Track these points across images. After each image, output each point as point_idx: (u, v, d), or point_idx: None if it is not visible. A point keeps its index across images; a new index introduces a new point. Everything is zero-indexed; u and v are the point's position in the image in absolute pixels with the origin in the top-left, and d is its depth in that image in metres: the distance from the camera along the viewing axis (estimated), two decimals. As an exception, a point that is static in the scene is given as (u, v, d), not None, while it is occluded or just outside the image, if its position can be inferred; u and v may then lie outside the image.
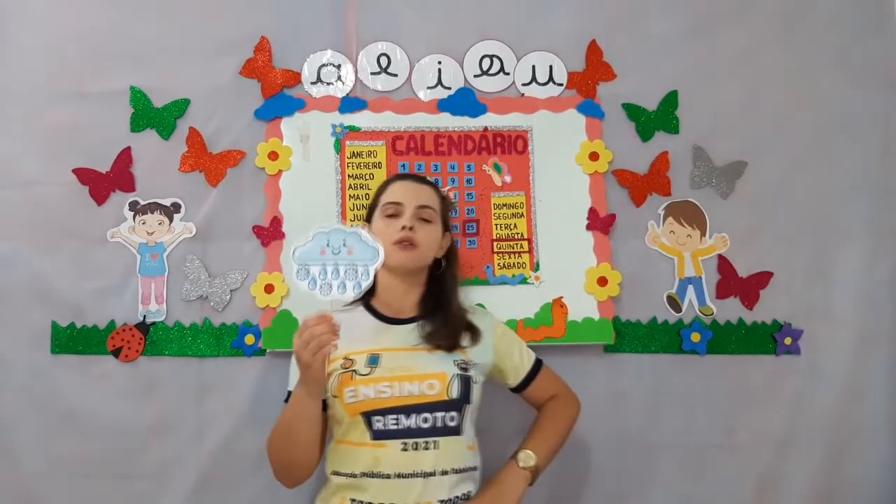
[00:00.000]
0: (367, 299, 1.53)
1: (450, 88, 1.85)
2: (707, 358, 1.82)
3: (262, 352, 1.74)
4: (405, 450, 1.34)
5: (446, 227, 1.59)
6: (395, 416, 1.35)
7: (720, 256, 1.85)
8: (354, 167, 1.81)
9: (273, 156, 1.79)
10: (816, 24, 1.94)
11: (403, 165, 1.81)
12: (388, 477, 1.33)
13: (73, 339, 1.73)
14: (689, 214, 1.86)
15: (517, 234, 1.81)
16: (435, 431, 1.36)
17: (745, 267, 1.85)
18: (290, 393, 1.43)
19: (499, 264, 1.80)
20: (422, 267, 1.52)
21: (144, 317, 1.74)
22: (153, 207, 1.77)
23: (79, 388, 1.72)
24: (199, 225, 1.77)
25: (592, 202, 1.83)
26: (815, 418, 1.82)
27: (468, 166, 1.83)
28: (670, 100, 1.88)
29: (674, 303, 1.83)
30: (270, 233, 1.77)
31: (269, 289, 1.74)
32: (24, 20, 1.81)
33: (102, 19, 1.82)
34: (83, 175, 1.77)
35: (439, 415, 1.37)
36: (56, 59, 1.80)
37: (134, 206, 1.77)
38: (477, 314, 1.57)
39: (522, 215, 1.82)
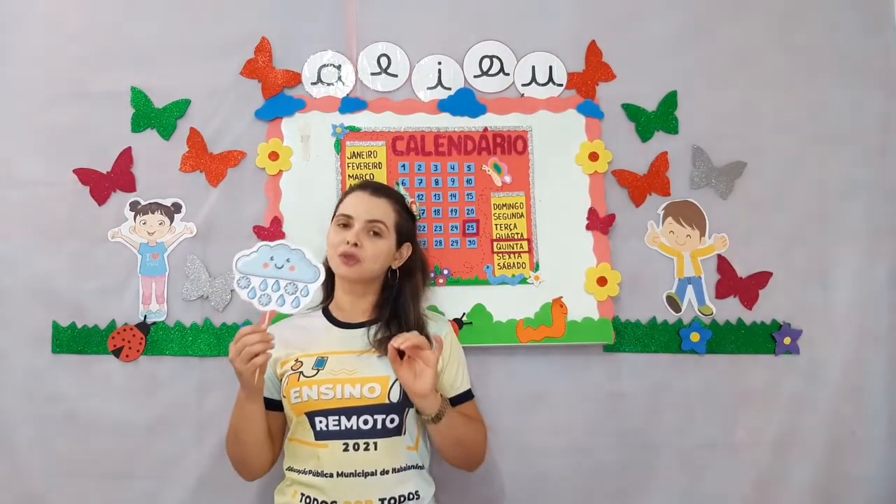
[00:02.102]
0: (325, 304, 1.59)
1: (450, 89, 1.85)
2: (706, 358, 1.82)
3: (262, 352, 1.74)
4: (346, 450, 1.38)
5: (407, 239, 1.60)
6: (336, 417, 1.39)
7: (719, 256, 1.86)
8: (355, 167, 1.81)
9: (273, 156, 1.79)
10: (816, 24, 1.94)
11: (403, 165, 1.82)
12: (331, 476, 1.38)
13: (73, 339, 1.73)
14: (688, 214, 1.86)
15: (517, 234, 1.82)
16: (375, 433, 1.39)
17: (745, 267, 1.86)
18: None
19: (499, 264, 1.80)
20: (367, 279, 1.55)
21: (145, 317, 1.74)
22: (154, 207, 1.78)
23: (79, 388, 1.72)
24: (200, 225, 1.78)
25: (592, 202, 1.83)
26: (815, 418, 1.82)
27: (468, 166, 1.83)
28: (670, 100, 1.88)
29: (673, 303, 1.83)
30: (271, 233, 1.77)
31: (269, 289, 1.74)
32: (25, 20, 1.81)
33: (103, 19, 1.82)
34: (84, 175, 1.77)
35: (379, 417, 1.40)
36: (57, 59, 1.80)
37: (135, 206, 1.77)
38: (438, 322, 1.60)
39: (522, 215, 1.83)
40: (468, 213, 1.82)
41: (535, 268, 1.80)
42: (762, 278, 1.85)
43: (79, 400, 1.72)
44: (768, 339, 1.84)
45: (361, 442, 1.38)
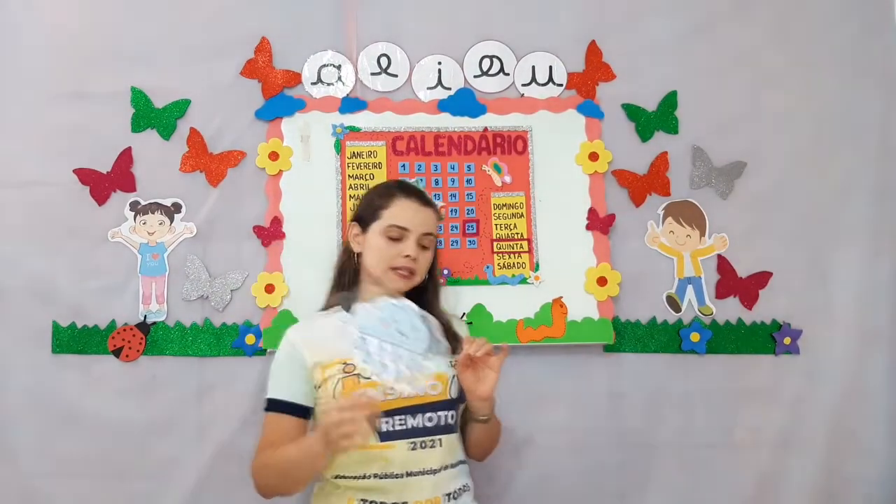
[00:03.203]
0: (350, 305, 1.51)
1: (450, 89, 1.85)
2: (706, 358, 1.82)
3: (262, 352, 1.74)
4: (413, 449, 1.35)
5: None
6: (401, 417, 1.36)
7: (719, 256, 1.86)
8: (355, 167, 1.81)
9: (273, 156, 1.79)
10: (816, 24, 1.94)
11: (403, 165, 1.82)
12: (400, 476, 1.34)
13: (73, 339, 1.73)
14: (688, 214, 1.86)
15: (517, 234, 1.82)
16: (438, 430, 1.38)
17: (745, 267, 1.86)
18: (271, 402, 1.40)
19: (499, 264, 1.80)
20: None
21: (145, 317, 1.74)
22: (154, 207, 1.78)
23: (79, 388, 1.72)
24: (200, 225, 1.78)
25: (592, 202, 1.83)
26: (815, 418, 1.82)
27: (468, 166, 1.83)
28: (670, 100, 1.88)
29: (673, 303, 1.83)
30: (271, 233, 1.77)
31: (269, 289, 1.75)
32: (25, 20, 1.81)
33: (103, 19, 1.82)
34: (84, 175, 1.77)
35: (441, 414, 1.39)
36: (57, 59, 1.80)
37: (135, 207, 1.77)
38: (455, 321, 1.58)
39: (522, 215, 1.83)
40: (468, 213, 1.82)
41: (535, 268, 1.80)
42: (762, 278, 1.85)
43: (79, 400, 1.72)
44: (768, 339, 1.84)
45: (427, 440, 1.37)
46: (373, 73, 1.84)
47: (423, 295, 1.51)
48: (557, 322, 1.77)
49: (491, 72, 1.87)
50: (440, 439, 1.38)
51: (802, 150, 1.90)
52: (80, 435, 1.71)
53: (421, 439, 1.36)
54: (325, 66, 1.84)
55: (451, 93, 1.85)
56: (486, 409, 1.41)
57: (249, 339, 1.74)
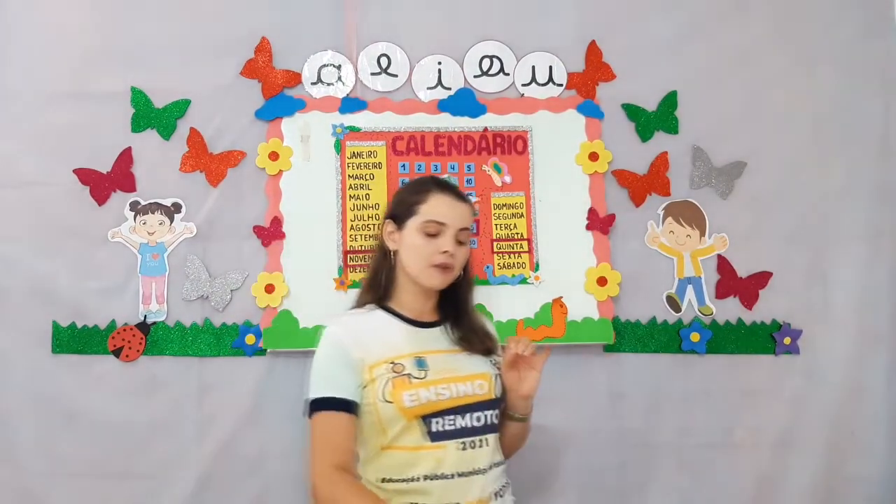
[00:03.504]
0: (382, 303, 1.47)
1: (450, 89, 1.85)
2: (706, 358, 1.82)
3: (262, 351, 1.74)
4: (463, 449, 1.34)
5: None
6: (451, 417, 1.34)
7: (719, 256, 1.86)
8: (355, 167, 1.81)
9: (273, 156, 1.79)
10: (816, 24, 1.94)
11: (403, 165, 1.82)
12: (451, 477, 1.32)
13: (73, 339, 1.73)
14: (688, 214, 1.86)
15: (517, 234, 1.82)
16: (485, 429, 1.37)
17: (745, 267, 1.86)
18: (320, 401, 1.33)
19: (499, 264, 1.80)
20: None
21: (145, 317, 1.74)
22: (154, 207, 1.78)
23: (79, 388, 1.72)
24: (200, 225, 1.78)
25: (592, 202, 1.83)
26: (814, 418, 1.83)
27: (468, 166, 1.83)
28: (670, 100, 1.88)
29: (673, 303, 1.83)
30: (271, 233, 1.77)
31: (269, 289, 1.74)
32: (25, 20, 1.81)
33: (103, 19, 1.82)
34: (84, 175, 1.77)
35: (488, 413, 1.38)
36: (56, 59, 1.80)
37: (135, 207, 1.77)
38: (486, 321, 1.57)
39: (522, 215, 1.83)
40: (468, 213, 1.82)
41: (535, 268, 1.80)
42: (762, 278, 1.85)
43: (79, 400, 1.72)
44: (768, 339, 1.84)
45: (476, 440, 1.35)
46: (373, 73, 1.84)
47: (457, 291, 1.48)
48: (557, 322, 1.77)
49: (491, 72, 1.87)
50: (487, 438, 1.37)
51: (802, 150, 1.90)
52: (80, 435, 1.71)
53: (470, 439, 1.35)
54: (325, 66, 1.84)
55: (451, 93, 1.85)
56: (526, 407, 1.43)
57: (249, 339, 1.74)
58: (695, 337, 1.81)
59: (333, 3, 1.85)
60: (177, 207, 1.78)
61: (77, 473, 1.70)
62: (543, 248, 1.81)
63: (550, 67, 1.87)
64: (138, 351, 1.73)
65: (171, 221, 1.77)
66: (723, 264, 1.85)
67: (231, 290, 1.76)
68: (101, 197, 1.77)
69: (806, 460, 1.81)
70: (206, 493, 1.71)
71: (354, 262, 1.77)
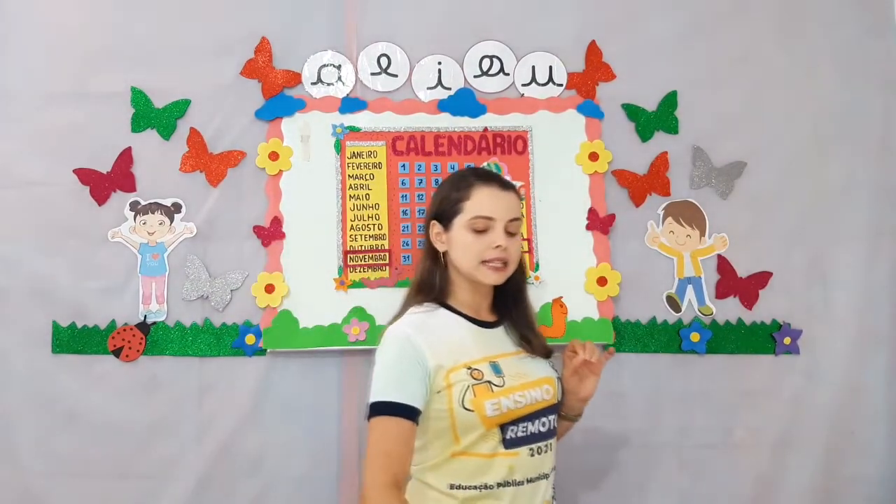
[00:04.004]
0: (441, 300, 1.40)
1: (450, 89, 1.85)
2: (706, 358, 1.82)
3: (262, 351, 1.74)
4: (532, 455, 1.32)
5: None
6: (524, 424, 1.32)
7: (719, 256, 1.86)
8: (355, 167, 1.81)
9: (273, 156, 1.79)
10: (816, 24, 1.94)
11: (403, 165, 1.82)
12: (521, 483, 1.30)
13: (73, 339, 1.73)
14: (688, 214, 1.86)
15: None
16: (550, 434, 1.37)
17: (745, 267, 1.86)
18: (384, 405, 1.26)
19: (499, 264, 1.80)
20: None
21: (145, 317, 1.74)
22: (154, 207, 1.78)
23: (79, 388, 1.72)
24: (200, 225, 1.78)
25: (592, 202, 1.83)
26: (814, 418, 1.83)
27: (468, 167, 1.83)
28: (670, 100, 1.88)
29: (673, 303, 1.83)
30: (271, 233, 1.77)
31: (269, 289, 1.75)
32: (25, 20, 1.81)
33: (103, 19, 1.82)
34: (84, 175, 1.77)
35: (552, 417, 1.37)
36: (56, 59, 1.80)
37: (135, 207, 1.77)
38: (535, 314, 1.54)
39: (522, 215, 1.82)
40: (468, 213, 1.82)
41: (535, 268, 1.80)
42: (762, 278, 1.85)
43: (79, 400, 1.72)
44: (768, 339, 1.84)
45: (543, 444, 1.34)
46: (373, 73, 1.84)
47: (511, 286, 1.42)
48: (557, 322, 1.77)
49: (491, 72, 1.87)
50: (551, 443, 1.36)
51: (802, 150, 1.90)
52: (80, 435, 1.71)
53: (538, 444, 1.33)
54: (325, 66, 1.84)
55: (451, 93, 1.85)
56: (581, 408, 1.46)
57: (249, 339, 1.74)
58: (695, 337, 1.81)
59: (333, 3, 1.85)
60: (177, 207, 1.78)
61: (77, 473, 1.71)
62: (543, 248, 1.81)
63: (550, 67, 1.87)
64: (138, 351, 1.73)
65: (171, 221, 1.78)
66: (723, 264, 1.85)
67: (231, 290, 1.76)
68: (101, 197, 1.77)
69: (806, 460, 1.81)
70: (206, 493, 1.71)
71: (354, 262, 1.78)
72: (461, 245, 1.36)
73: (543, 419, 1.35)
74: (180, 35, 1.82)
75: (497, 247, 1.34)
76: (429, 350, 1.29)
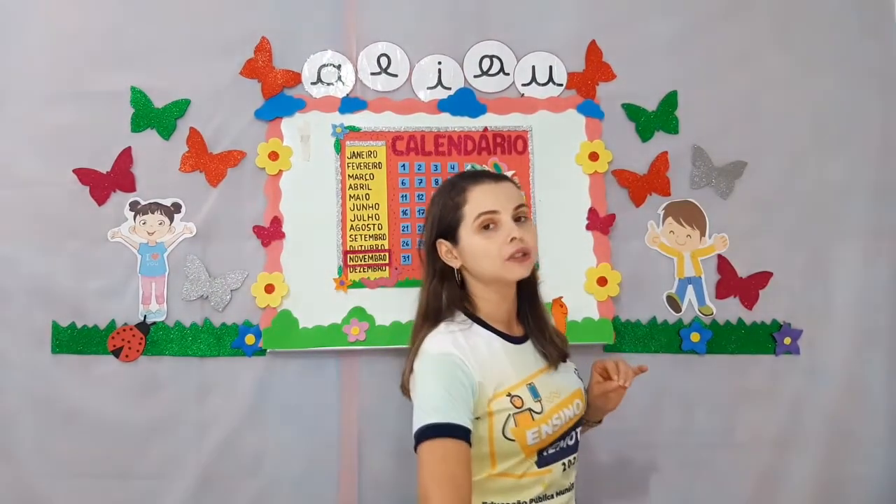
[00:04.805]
0: (469, 313, 1.35)
1: (450, 89, 1.85)
2: (707, 358, 1.82)
3: (262, 352, 1.74)
4: (564, 469, 1.32)
5: None
6: (559, 442, 1.31)
7: (720, 256, 1.86)
8: (355, 167, 1.81)
9: (273, 156, 1.79)
10: (816, 24, 1.94)
11: (403, 165, 1.82)
12: (552, 497, 1.30)
13: (73, 339, 1.73)
14: (688, 214, 1.86)
15: (517, 234, 1.81)
16: (576, 446, 1.36)
17: (745, 267, 1.86)
18: (440, 427, 1.18)
19: (499, 264, 1.80)
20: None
21: (145, 317, 1.74)
22: (154, 207, 1.78)
23: (79, 388, 1.72)
24: (200, 225, 1.77)
25: (592, 202, 1.83)
26: (815, 418, 1.83)
27: (468, 167, 1.83)
28: (670, 100, 1.88)
29: (673, 303, 1.83)
30: (271, 233, 1.77)
31: (269, 289, 1.74)
32: (25, 20, 1.81)
33: (103, 19, 1.81)
34: (84, 175, 1.77)
35: (578, 430, 1.37)
36: (56, 59, 1.80)
37: (134, 206, 1.77)
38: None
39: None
40: (468, 213, 1.82)
41: (535, 268, 1.80)
42: (762, 278, 1.85)
43: (79, 400, 1.72)
44: (768, 339, 1.84)
45: (572, 458, 1.34)
46: (373, 73, 1.84)
47: (525, 291, 1.39)
48: (557, 322, 1.77)
49: (491, 72, 1.87)
50: (577, 455, 1.36)
51: (802, 150, 1.90)
52: (80, 435, 1.71)
53: (568, 458, 1.33)
54: (325, 65, 1.84)
55: (451, 93, 1.85)
56: (604, 414, 1.48)
57: (249, 339, 1.74)
58: (695, 337, 1.81)
59: (333, 3, 1.85)
60: (177, 207, 1.78)
61: (77, 473, 1.71)
62: (543, 247, 1.80)
63: (550, 67, 1.87)
64: (138, 351, 1.73)
65: (171, 221, 1.77)
66: (723, 264, 1.85)
67: (231, 290, 1.76)
68: (100, 197, 1.77)
69: (806, 460, 1.82)
70: (206, 493, 1.71)
71: (354, 262, 1.78)
72: (476, 251, 1.30)
73: (572, 433, 1.35)
74: (180, 35, 1.82)
75: (513, 239, 1.28)
76: (473, 371, 1.24)
